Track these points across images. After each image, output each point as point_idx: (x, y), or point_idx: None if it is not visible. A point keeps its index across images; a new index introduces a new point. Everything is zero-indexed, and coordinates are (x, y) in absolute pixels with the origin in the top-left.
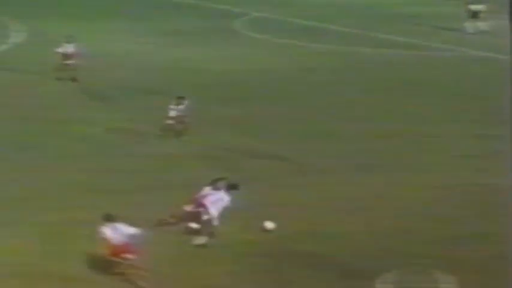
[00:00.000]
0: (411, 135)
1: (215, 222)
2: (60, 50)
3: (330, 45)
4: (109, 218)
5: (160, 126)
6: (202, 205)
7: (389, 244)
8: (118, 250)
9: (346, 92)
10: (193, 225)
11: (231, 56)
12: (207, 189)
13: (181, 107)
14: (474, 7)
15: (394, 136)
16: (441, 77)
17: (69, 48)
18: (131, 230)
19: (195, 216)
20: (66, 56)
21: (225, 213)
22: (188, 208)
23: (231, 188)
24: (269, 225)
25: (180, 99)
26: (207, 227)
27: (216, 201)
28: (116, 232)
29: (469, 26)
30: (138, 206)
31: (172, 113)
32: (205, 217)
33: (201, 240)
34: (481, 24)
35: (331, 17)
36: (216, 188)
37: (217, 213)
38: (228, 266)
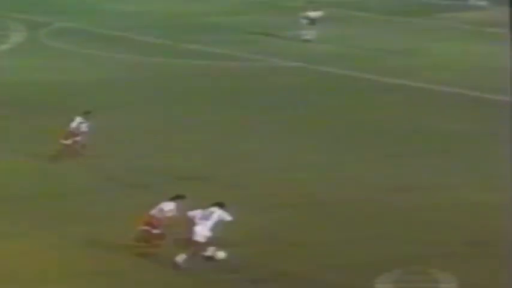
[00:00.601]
0: (217, 146)
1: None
2: None
3: (137, 55)
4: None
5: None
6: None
7: None
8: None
9: (154, 103)
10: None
11: (33, 67)
12: (167, 205)
13: (87, 123)
14: (313, 14)
15: (200, 148)
16: (249, 88)
17: None
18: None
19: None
20: None
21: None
22: (145, 227)
23: (220, 205)
24: (220, 254)
25: (86, 114)
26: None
27: (206, 217)
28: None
29: (306, 33)
30: None
31: (77, 128)
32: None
33: (221, 254)
34: (315, 31)
35: (138, 27)
36: (179, 205)
37: (208, 229)
38: None
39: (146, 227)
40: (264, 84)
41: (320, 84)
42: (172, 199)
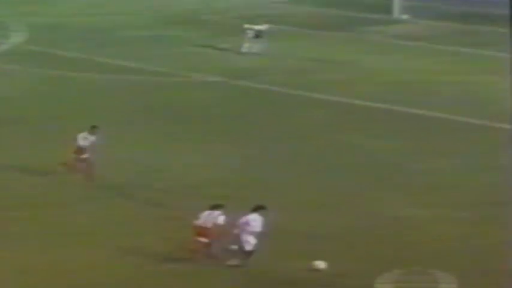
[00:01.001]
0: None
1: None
2: None
3: (54, 70)
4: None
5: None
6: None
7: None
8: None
9: (74, 119)
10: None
11: None
12: (212, 214)
13: (93, 137)
14: (258, 27)
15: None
16: (167, 102)
17: None
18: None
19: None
20: None
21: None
22: (203, 239)
23: (260, 208)
24: (320, 264)
25: (94, 128)
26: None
27: (252, 224)
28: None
29: (248, 46)
30: None
31: (84, 143)
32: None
33: (234, 261)
34: (261, 45)
35: (55, 40)
36: (222, 212)
37: (253, 237)
38: None
39: (202, 238)
40: (183, 99)
41: (240, 99)
42: (213, 208)
